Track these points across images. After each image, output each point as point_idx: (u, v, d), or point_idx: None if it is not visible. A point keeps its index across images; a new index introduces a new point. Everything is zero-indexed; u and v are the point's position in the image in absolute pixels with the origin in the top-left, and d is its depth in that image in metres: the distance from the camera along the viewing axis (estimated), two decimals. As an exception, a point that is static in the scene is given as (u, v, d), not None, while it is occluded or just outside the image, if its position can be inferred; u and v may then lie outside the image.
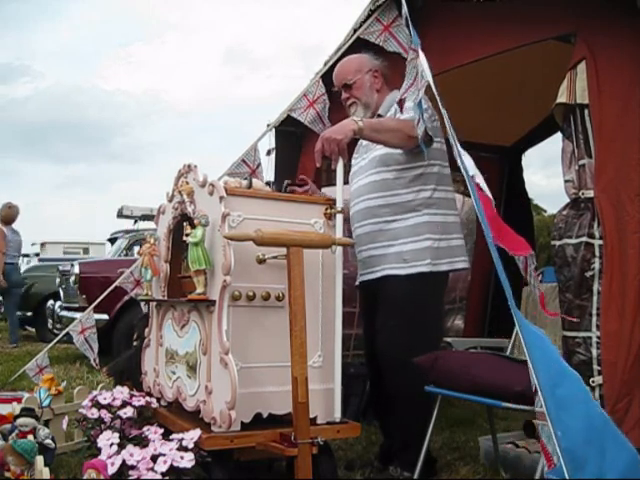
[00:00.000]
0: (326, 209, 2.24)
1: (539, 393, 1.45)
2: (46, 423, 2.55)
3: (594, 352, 1.97)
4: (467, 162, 1.83)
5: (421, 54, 2.12)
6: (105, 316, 5.24)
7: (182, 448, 1.84)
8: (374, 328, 2.43)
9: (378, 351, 2.41)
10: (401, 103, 2.38)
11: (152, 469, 1.77)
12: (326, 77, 3.23)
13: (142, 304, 3.61)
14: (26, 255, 14.10)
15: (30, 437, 2.23)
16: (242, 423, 2.00)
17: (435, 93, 2.00)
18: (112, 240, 8.75)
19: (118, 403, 2.30)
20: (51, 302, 7.24)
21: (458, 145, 1.85)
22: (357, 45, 2.91)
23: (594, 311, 1.99)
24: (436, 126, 2.36)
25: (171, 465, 1.78)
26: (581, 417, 1.43)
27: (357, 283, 2.57)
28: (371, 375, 2.64)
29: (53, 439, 2.33)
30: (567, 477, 1.34)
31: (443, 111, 1.95)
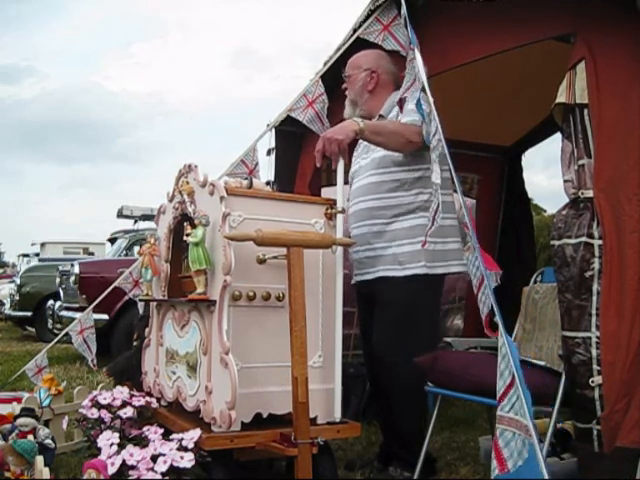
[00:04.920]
0: (327, 209, 2.24)
1: (523, 404, 1.46)
2: (46, 423, 2.55)
3: (594, 352, 1.97)
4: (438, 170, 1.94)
5: (417, 55, 2.12)
6: (105, 316, 5.24)
7: (182, 448, 1.84)
8: (371, 328, 2.44)
9: (373, 351, 2.42)
10: (401, 103, 2.39)
11: (152, 469, 1.77)
12: (325, 77, 3.23)
13: (139, 305, 3.61)
14: (26, 255, 14.12)
15: (30, 437, 2.23)
16: (242, 423, 2.00)
17: (429, 95, 2.00)
18: (112, 240, 8.75)
19: (118, 403, 2.30)
20: (51, 302, 7.23)
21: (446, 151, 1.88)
22: (357, 45, 2.91)
23: (594, 311, 1.98)
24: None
25: (171, 465, 1.78)
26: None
27: (353, 282, 2.57)
28: (370, 375, 2.65)
29: (53, 439, 2.34)
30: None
31: (434, 113, 1.96)
